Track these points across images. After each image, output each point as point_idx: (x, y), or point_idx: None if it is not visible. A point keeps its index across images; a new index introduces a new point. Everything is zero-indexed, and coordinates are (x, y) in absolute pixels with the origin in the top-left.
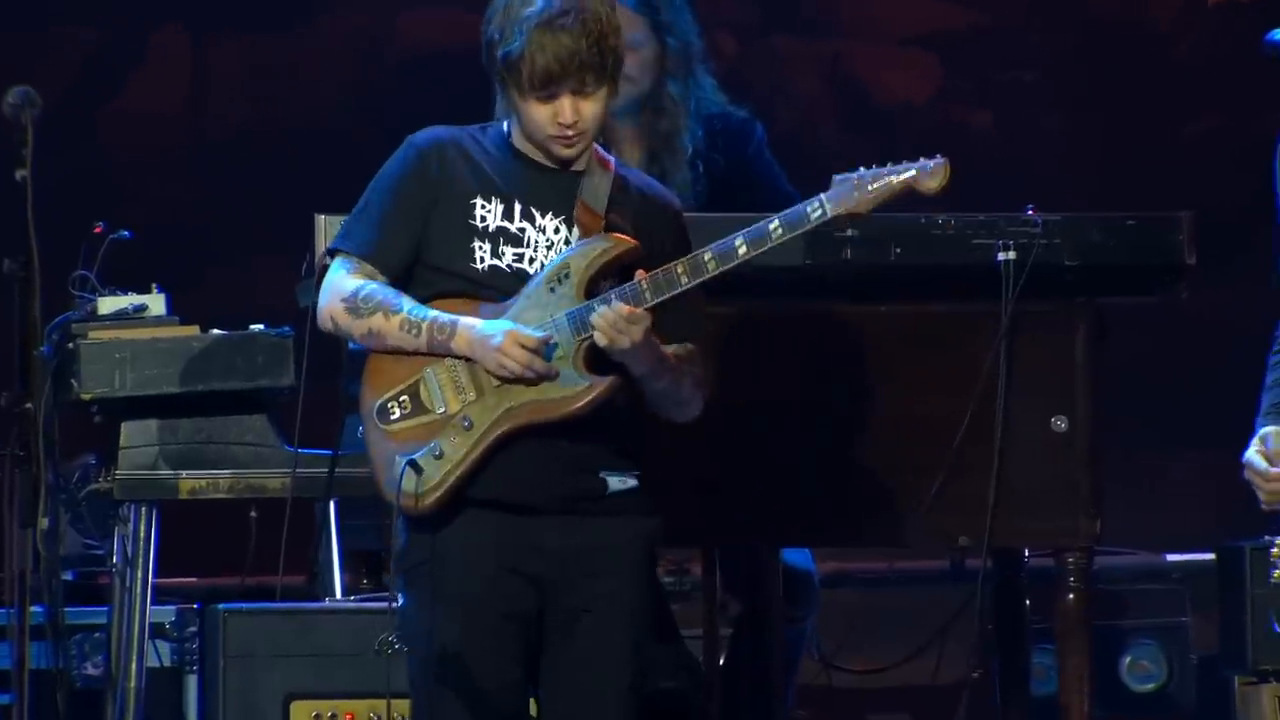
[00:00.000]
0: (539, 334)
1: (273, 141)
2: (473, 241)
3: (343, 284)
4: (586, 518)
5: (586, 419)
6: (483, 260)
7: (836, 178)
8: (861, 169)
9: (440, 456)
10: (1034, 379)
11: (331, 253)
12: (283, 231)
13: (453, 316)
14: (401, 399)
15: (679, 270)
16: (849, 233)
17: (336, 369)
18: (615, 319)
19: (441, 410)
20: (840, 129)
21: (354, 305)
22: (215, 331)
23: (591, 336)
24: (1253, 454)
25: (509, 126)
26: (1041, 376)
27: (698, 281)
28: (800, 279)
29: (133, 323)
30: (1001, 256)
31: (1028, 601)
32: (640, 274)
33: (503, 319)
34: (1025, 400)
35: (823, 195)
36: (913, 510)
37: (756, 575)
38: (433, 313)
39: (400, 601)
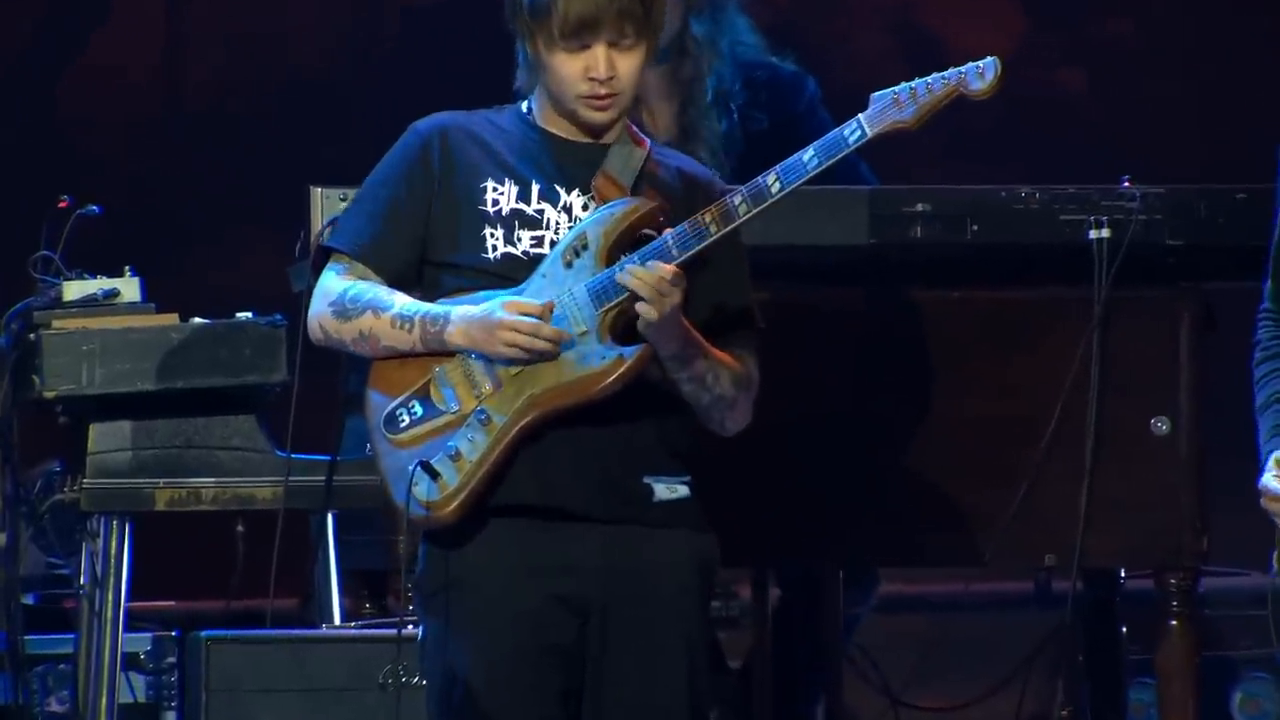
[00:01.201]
0: (542, 301)
1: (259, 105)
2: (483, 229)
3: (331, 287)
4: (630, 528)
5: (622, 405)
6: (495, 249)
7: (874, 95)
8: (902, 83)
9: (457, 457)
10: (1131, 375)
11: (326, 253)
12: (272, 206)
13: (446, 307)
14: (411, 405)
15: (707, 219)
16: (919, 208)
17: (335, 363)
18: (657, 279)
19: (455, 409)
20: None
21: (341, 308)
22: (196, 320)
23: (618, 306)
24: (1270, 479)
25: (530, 104)
26: (1140, 372)
27: (729, 229)
28: (862, 261)
29: (102, 310)
30: (1094, 235)
31: (1124, 629)
32: (666, 231)
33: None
34: (1121, 399)
35: (861, 115)
36: (992, 525)
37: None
38: (426, 306)
39: (420, 630)
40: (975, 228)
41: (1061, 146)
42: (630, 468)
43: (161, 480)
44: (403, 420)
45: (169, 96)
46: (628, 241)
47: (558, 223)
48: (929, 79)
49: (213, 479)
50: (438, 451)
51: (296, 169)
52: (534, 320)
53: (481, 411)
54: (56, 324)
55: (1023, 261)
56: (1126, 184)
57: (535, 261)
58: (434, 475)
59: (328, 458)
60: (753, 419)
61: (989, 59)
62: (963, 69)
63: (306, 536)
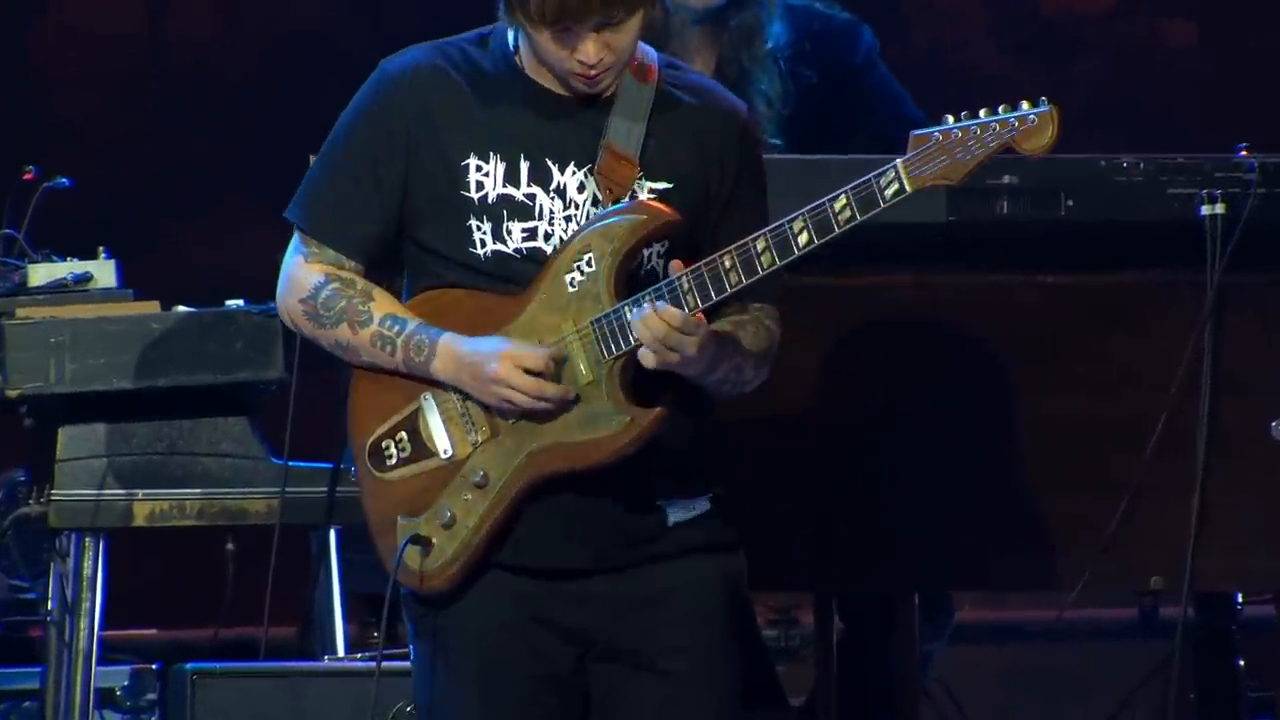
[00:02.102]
0: (542, 350)
1: (251, 66)
2: (468, 219)
3: (301, 278)
4: (642, 567)
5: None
6: (483, 244)
7: (914, 134)
8: (949, 119)
9: (451, 525)
10: (1248, 371)
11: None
12: (267, 180)
13: (433, 333)
14: (398, 437)
15: (726, 265)
16: (1005, 180)
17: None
18: (665, 331)
19: (447, 455)
20: (995, 48)
21: (314, 311)
22: (181, 309)
23: (628, 354)
24: None
25: (516, 38)
26: (1258, 368)
27: (752, 281)
28: (940, 242)
29: (73, 297)
30: (1206, 211)
31: (1241, 662)
32: (675, 265)
33: (500, 334)
34: (1237, 399)
35: (898, 161)
36: (1089, 543)
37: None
38: (411, 324)
39: (410, 656)
40: (1070, 203)
41: (1169, 110)
42: (644, 503)
43: (141, 492)
44: (390, 456)
45: (151, 53)
46: (644, 251)
47: (552, 211)
48: (975, 125)
49: (199, 490)
50: (428, 513)
51: (295, 135)
52: (535, 380)
53: (478, 471)
54: (21, 313)
55: (1124, 241)
56: (1243, 153)
57: (528, 258)
58: (425, 546)
59: (330, 465)
60: (815, 430)
61: (1043, 106)
62: (1014, 118)
63: (306, 555)
